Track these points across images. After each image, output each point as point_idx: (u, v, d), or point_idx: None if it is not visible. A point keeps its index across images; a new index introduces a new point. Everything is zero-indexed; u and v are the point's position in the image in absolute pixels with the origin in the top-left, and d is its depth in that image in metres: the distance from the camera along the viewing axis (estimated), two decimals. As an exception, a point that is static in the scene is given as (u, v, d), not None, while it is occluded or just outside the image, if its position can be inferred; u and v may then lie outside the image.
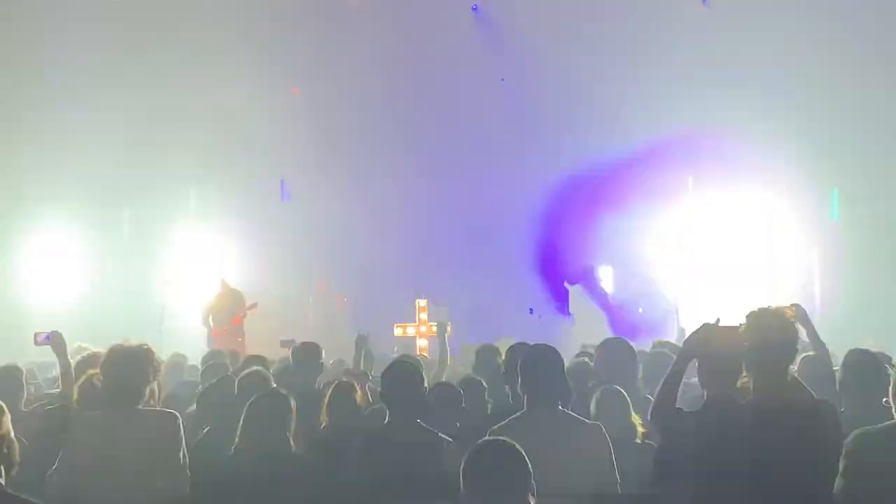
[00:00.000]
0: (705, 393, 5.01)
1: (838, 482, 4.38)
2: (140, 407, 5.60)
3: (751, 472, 4.52)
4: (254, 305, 16.09)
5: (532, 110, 17.03)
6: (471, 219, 17.61)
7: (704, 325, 4.94)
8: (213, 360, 8.83)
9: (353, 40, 17.07)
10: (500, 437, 4.19)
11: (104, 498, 5.32)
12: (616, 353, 7.07)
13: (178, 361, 10.06)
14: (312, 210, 17.70)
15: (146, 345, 5.85)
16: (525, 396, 5.42)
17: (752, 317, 4.87)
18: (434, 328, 16.19)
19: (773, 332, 4.80)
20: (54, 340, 6.82)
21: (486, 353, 7.78)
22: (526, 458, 3.89)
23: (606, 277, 17.17)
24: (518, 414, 5.40)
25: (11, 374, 6.93)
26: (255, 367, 7.07)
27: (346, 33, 17.14)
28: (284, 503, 5.33)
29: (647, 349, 8.54)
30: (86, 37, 15.64)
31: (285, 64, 16.93)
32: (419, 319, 16.50)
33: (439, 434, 5.58)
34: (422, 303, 16.58)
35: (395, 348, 15.03)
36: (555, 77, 16.73)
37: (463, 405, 6.63)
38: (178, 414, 5.71)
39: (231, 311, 16.16)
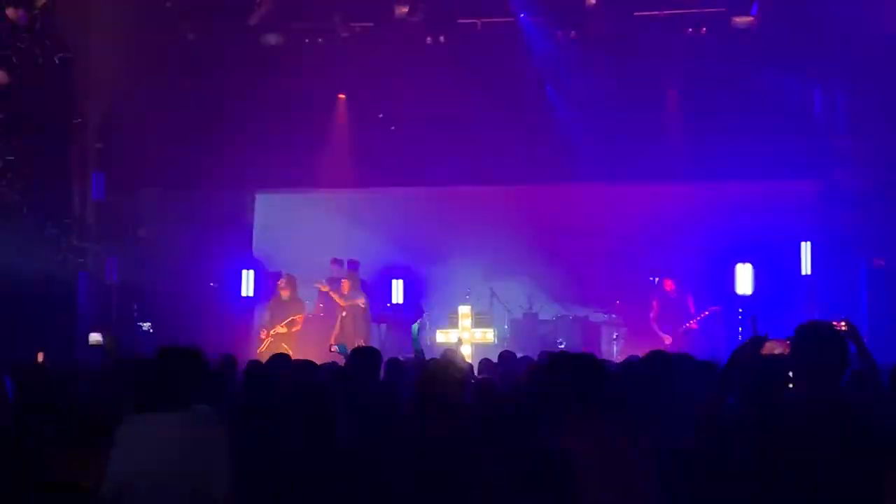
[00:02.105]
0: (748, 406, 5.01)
1: None
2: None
3: (796, 485, 4.51)
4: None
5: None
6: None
7: (753, 337, 4.93)
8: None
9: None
10: None
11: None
12: None
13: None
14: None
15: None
16: None
17: (801, 330, 4.85)
18: (484, 335, 16.35)
19: (824, 345, 4.78)
20: (107, 342, 6.90)
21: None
22: None
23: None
24: None
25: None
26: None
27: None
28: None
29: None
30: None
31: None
32: (462, 326, 16.52)
33: None
34: (464, 309, 16.59)
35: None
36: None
37: None
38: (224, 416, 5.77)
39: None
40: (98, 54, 15.33)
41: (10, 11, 14.40)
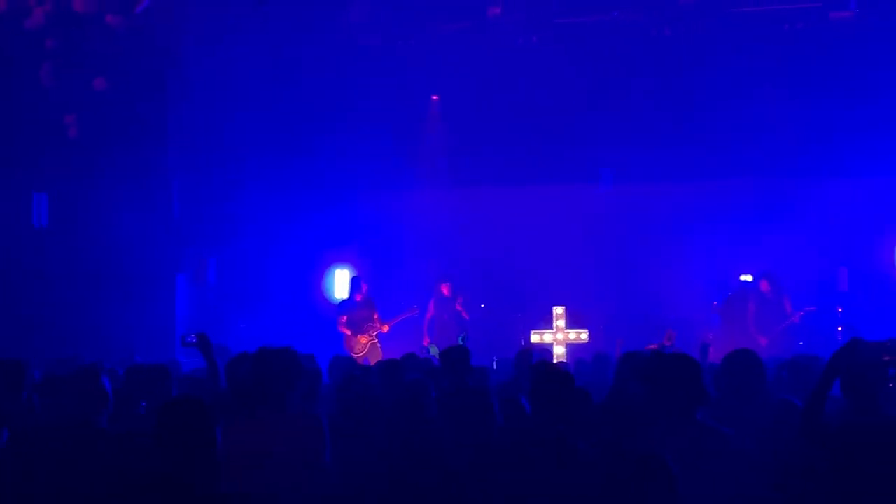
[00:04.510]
0: (847, 409, 4.92)
1: None
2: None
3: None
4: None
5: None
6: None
7: (853, 339, 4.84)
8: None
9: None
10: None
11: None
12: None
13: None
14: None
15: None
16: None
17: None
18: (579, 335, 16.28)
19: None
20: (201, 342, 6.95)
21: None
22: None
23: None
24: None
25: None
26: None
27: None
28: None
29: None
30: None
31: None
32: (556, 326, 16.46)
33: None
34: (559, 310, 16.53)
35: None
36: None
37: None
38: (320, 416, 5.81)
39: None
40: (194, 59, 15.56)
41: (109, 18, 14.68)
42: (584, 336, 16.34)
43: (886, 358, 4.94)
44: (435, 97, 18.66)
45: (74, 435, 5.90)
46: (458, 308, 17.02)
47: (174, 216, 15.68)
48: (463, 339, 15.54)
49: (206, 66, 15.61)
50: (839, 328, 15.25)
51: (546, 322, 16.54)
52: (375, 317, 16.68)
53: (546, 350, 13.63)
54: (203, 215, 16.32)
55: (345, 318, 16.64)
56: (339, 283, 18.32)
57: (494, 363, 13.19)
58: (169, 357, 11.82)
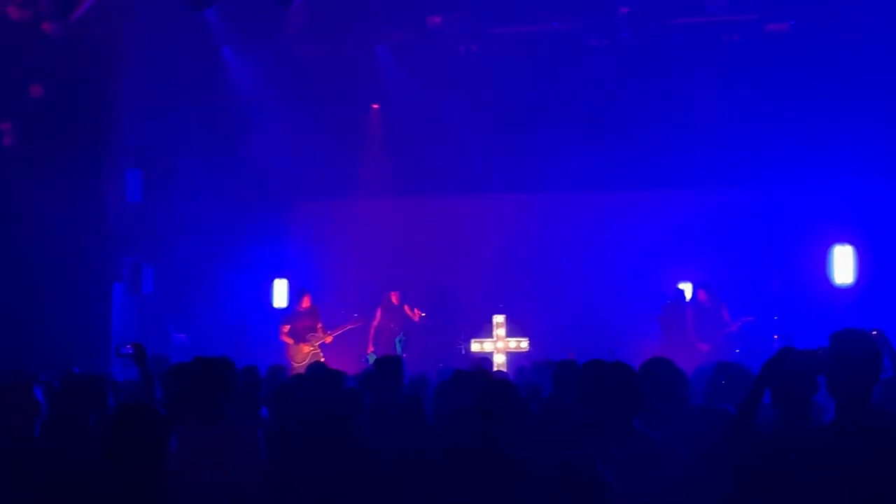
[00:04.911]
0: (778, 417, 4.97)
1: None
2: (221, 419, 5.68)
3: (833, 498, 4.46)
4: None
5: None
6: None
7: (784, 348, 4.89)
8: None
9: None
10: None
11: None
12: None
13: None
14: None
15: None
16: None
17: (836, 338, 4.80)
18: (519, 344, 16.30)
19: (860, 354, 4.72)
20: (137, 352, 6.89)
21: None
22: None
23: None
24: None
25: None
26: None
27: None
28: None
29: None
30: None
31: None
32: (496, 335, 16.49)
33: None
34: (499, 319, 16.56)
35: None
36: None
37: None
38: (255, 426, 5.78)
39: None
40: (131, 67, 15.42)
41: (45, 25, 14.51)
42: (524, 345, 16.39)
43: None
44: (375, 106, 18.66)
45: (3, 448, 5.81)
46: (408, 312, 17.01)
47: (110, 224, 15.48)
48: (400, 342, 15.59)
49: (144, 73, 15.47)
50: (775, 336, 15.43)
51: (486, 331, 16.58)
52: (319, 326, 16.66)
53: (486, 359, 13.65)
54: (139, 224, 16.13)
55: (287, 327, 16.59)
56: (279, 292, 18.25)
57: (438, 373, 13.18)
58: (104, 368, 11.69)
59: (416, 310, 17.06)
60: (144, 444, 4.52)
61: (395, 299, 17.07)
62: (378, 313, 17.07)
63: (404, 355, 15.60)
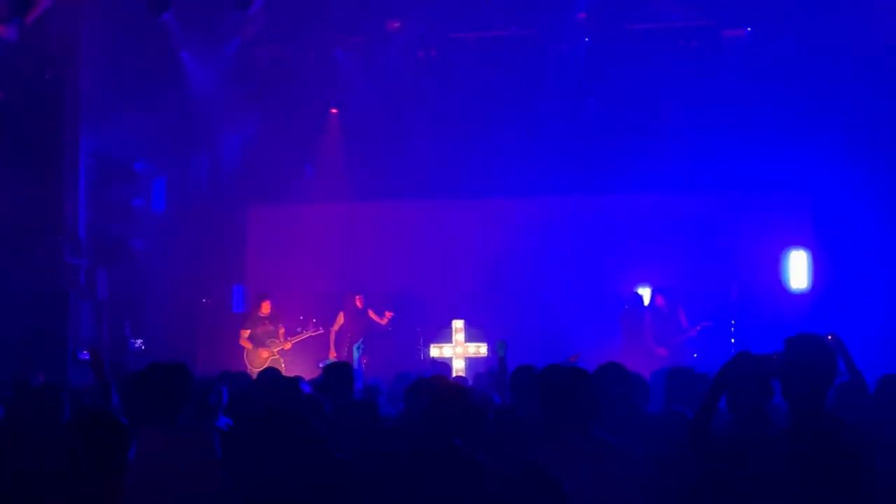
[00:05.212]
0: (733, 422, 5.00)
1: None
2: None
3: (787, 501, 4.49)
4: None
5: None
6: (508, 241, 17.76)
7: (739, 352, 4.92)
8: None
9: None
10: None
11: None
12: None
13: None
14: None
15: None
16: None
17: (791, 343, 4.83)
18: (478, 349, 16.30)
19: (814, 358, 4.75)
20: (93, 358, 6.85)
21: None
22: None
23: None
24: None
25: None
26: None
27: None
28: None
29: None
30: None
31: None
32: (455, 340, 16.48)
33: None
34: (458, 324, 16.56)
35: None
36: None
37: None
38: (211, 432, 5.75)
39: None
40: (89, 70, 15.31)
41: (0, 28, 14.38)
42: (483, 350, 16.38)
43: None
44: (334, 110, 18.62)
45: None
46: (373, 316, 16.96)
47: (66, 229, 15.35)
48: (358, 349, 15.57)
49: (101, 76, 15.36)
50: (732, 340, 15.54)
51: (445, 336, 16.57)
52: (281, 332, 16.61)
53: (445, 364, 13.65)
54: (97, 228, 16.00)
55: (248, 332, 16.52)
56: (237, 297, 18.18)
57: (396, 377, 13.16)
58: (61, 374, 11.59)
59: (386, 312, 16.97)
60: (103, 451, 4.45)
61: (359, 303, 16.98)
62: (340, 317, 16.98)
63: (364, 361, 15.60)
